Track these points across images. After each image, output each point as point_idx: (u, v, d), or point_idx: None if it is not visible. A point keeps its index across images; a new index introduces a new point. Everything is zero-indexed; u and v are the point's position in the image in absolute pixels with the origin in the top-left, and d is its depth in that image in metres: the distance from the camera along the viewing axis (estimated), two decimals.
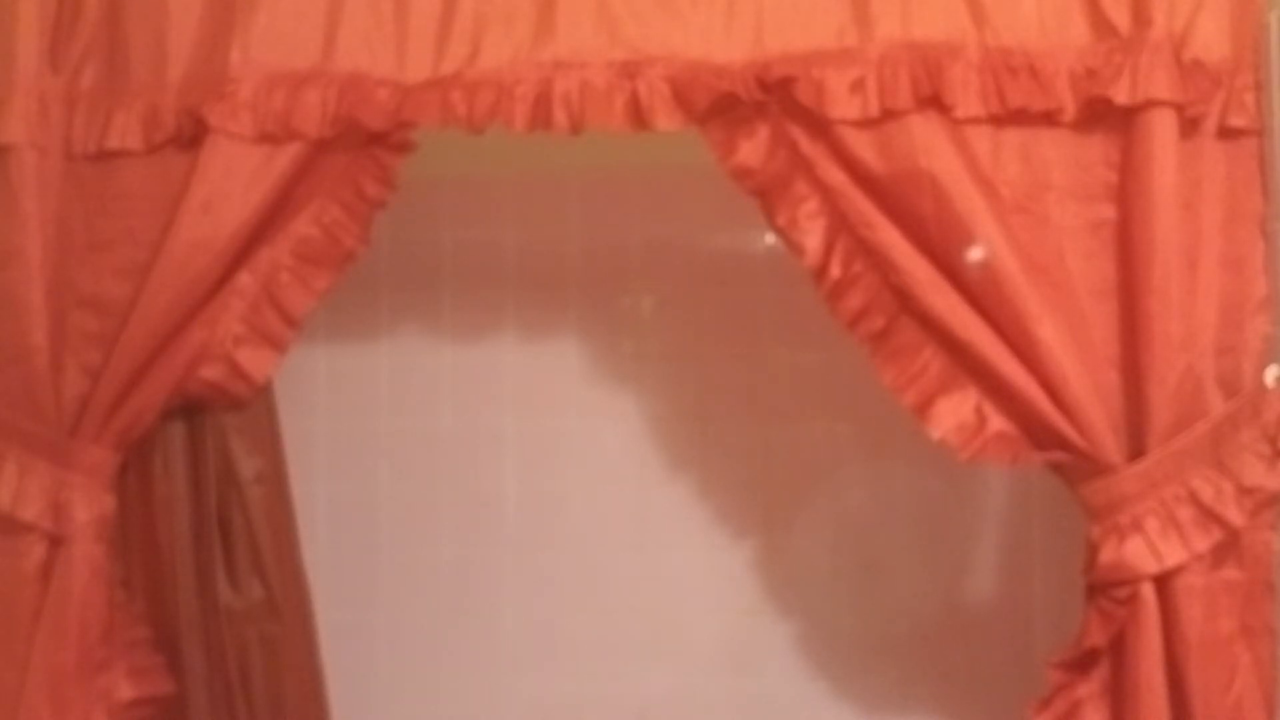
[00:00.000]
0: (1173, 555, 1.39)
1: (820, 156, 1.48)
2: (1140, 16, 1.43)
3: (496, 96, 1.50)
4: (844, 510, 2.03)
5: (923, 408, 1.48)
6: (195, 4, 1.58)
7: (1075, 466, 1.44)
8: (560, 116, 1.49)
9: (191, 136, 1.54)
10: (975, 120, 1.45)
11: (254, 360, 1.63)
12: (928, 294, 1.46)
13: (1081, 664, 1.45)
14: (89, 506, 1.57)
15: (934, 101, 1.44)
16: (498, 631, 2.10)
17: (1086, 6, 1.46)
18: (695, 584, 2.07)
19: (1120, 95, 1.41)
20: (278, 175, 1.55)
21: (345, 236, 1.62)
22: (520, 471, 2.11)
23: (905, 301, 1.47)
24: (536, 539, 2.10)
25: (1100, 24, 1.45)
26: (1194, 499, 1.41)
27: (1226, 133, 1.44)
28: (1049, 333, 1.42)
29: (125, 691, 1.59)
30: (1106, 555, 1.41)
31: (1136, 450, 1.43)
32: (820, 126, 1.47)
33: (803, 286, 1.54)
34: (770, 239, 1.97)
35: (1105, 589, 1.42)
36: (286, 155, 1.55)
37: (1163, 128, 1.40)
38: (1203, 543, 1.40)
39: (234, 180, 1.54)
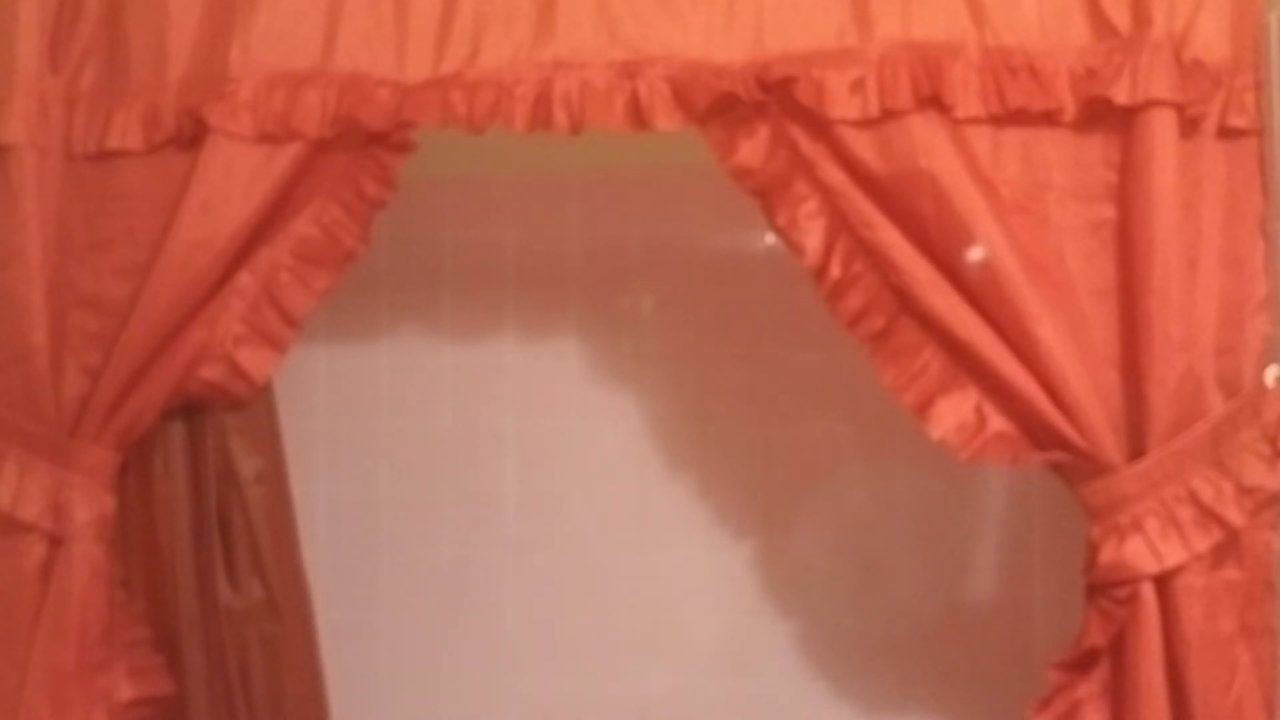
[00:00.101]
0: (1173, 555, 1.39)
1: (820, 156, 1.48)
2: (1140, 16, 1.43)
3: (496, 96, 1.50)
4: (844, 510, 2.03)
5: (923, 408, 1.48)
6: (195, 4, 1.58)
7: (1075, 466, 1.44)
8: (560, 116, 1.49)
9: (191, 136, 1.54)
10: (975, 120, 1.45)
11: (254, 360, 1.63)
12: (928, 294, 1.46)
13: (1081, 664, 1.45)
14: (89, 506, 1.57)
15: (934, 101, 1.44)
16: (498, 631, 2.10)
17: (1086, 6, 1.46)
18: (695, 584, 2.07)
19: (1120, 95, 1.41)
20: (278, 175, 1.55)
21: (345, 236, 1.62)
22: (520, 471, 2.12)
23: (905, 301, 1.47)
24: (536, 539, 2.10)
25: (1100, 24, 1.45)
26: (1194, 499, 1.40)
27: (1226, 133, 1.44)
28: (1049, 333, 1.42)
29: (125, 691, 1.59)
30: (1106, 555, 1.41)
31: (1136, 450, 1.43)
32: (820, 126, 1.47)
33: (803, 286, 1.54)
34: (770, 239, 1.97)
35: (1105, 589, 1.42)
36: (286, 155, 1.55)
37: (1163, 128, 1.40)
38: (1203, 543, 1.40)
39: (234, 180, 1.54)
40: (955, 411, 1.47)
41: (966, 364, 1.46)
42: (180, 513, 1.67)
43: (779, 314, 2.05)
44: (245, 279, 1.60)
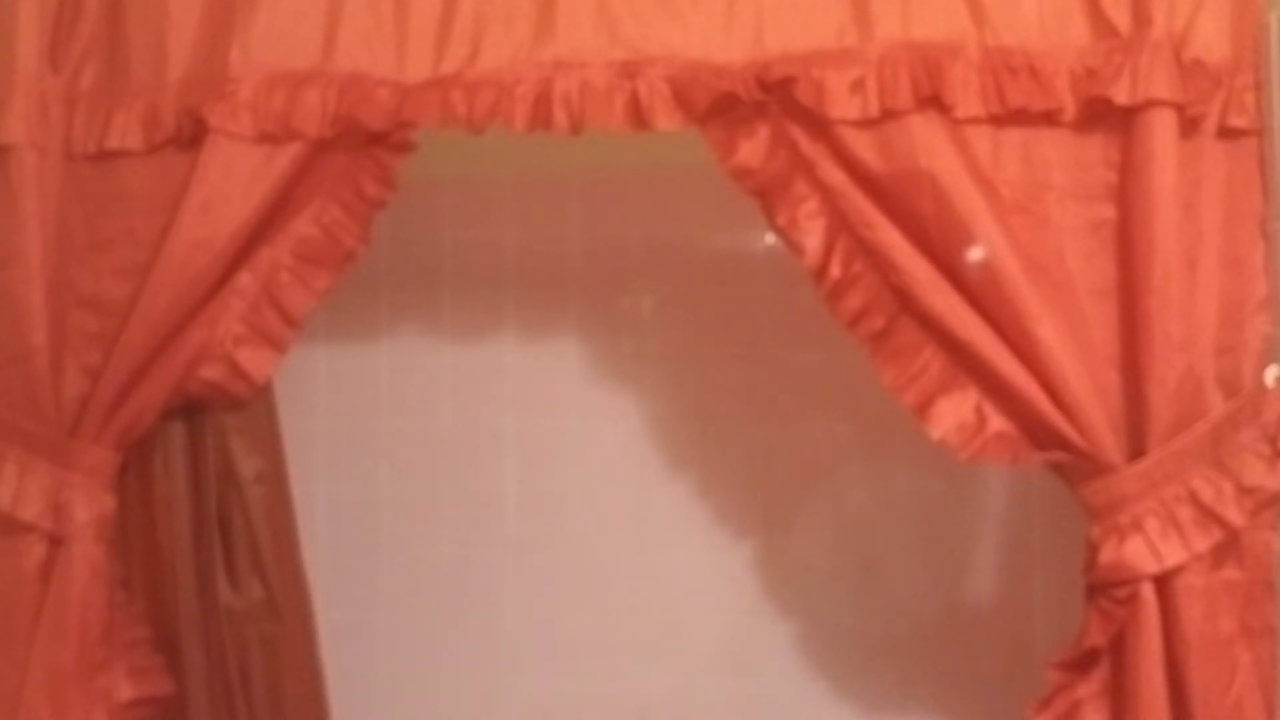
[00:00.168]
0: (1173, 555, 1.39)
1: (820, 156, 1.48)
2: (1140, 16, 1.43)
3: (496, 96, 1.50)
4: (844, 510, 2.03)
5: (923, 408, 1.48)
6: (195, 4, 1.58)
7: (1075, 466, 1.44)
8: (560, 116, 1.49)
9: (191, 136, 1.54)
10: (975, 120, 1.45)
11: (254, 360, 1.63)
12: (928, 294, 1.46)
13: (1081, 664, 1.45)
14: (89, 506, 1.57)
15: (934, 101, 1.44)
16: (498, 631, 2.10)
17: (1086, 6, 1.46)
18: (695, 584, 2.07)
19: (1120, 95, 1.41)
20: (278, 175, 1.55)
21: (345, 236, 1.62)
22: (520, 471, 2.12)
23: (905, 301, 1.47)
24: (536, 539, 2.10)
25: (1100, 24, 1.45)
26: (1194, 499, 1.40)
27: (1226, 133, 1.44)
28: (1049, 333, 1.42)
29: (125, 691, 1.59)
30: (1106, 555, 1.41)
31: (1136, 450, 1.43)
32: (820, 126, 1.47)
33: (803, 286, 1.54)
34: (770, 239, 1.97)
35: (1105, 589, 1.42)
36: (286, 155, 1.55)
37: (1163, 128, 1.40)
38: (1203, 543, 1.40)
39: (234, 180, 1.54)
40: (955, 411, 1.47)
41: (966, 364, 1.46)
42: (180, 513, 1.67)
43: (779, 314, 2.05)
44: (245, 279, 1.60)
